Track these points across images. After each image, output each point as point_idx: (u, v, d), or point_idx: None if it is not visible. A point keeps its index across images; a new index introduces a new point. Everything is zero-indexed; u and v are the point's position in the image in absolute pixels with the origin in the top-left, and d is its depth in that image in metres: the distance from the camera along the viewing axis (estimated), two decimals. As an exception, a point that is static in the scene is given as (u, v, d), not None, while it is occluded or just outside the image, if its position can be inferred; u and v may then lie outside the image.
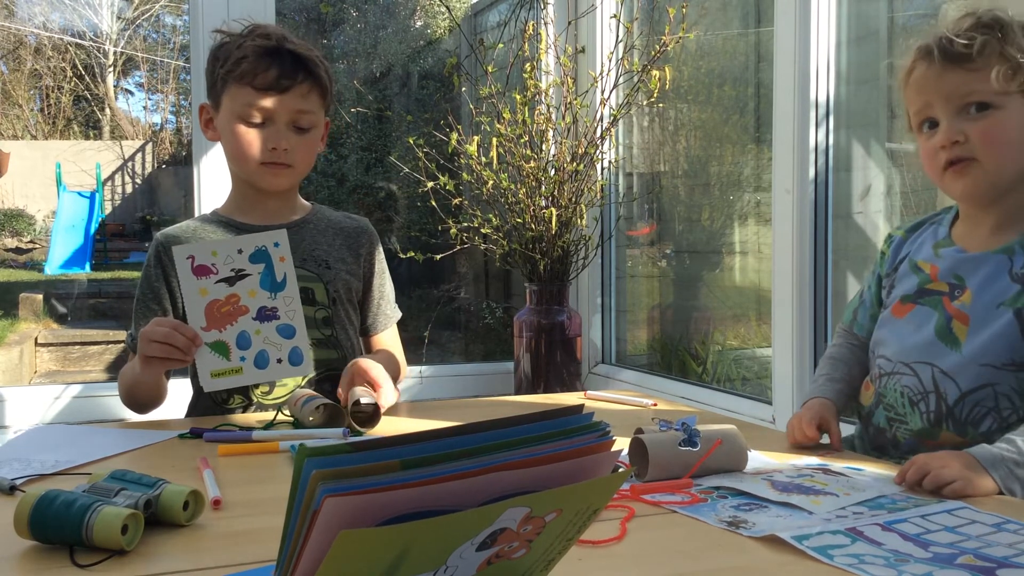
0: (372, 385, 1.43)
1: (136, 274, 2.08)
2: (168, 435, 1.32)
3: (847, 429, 1.37)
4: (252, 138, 1.53)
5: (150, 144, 11.69)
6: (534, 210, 2.55)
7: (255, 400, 1.57)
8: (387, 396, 1.43)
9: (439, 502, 0.51)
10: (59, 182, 9.99)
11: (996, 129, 1.19)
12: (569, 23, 2.96)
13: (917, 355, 1.25)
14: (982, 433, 1.18)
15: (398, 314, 1.76)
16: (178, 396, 1.66)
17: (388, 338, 1.75)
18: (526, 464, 0.54)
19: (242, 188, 1.63)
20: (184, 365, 1.41)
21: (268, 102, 1.51)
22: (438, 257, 2.62)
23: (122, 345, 5.60)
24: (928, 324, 1.25)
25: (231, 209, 1.64)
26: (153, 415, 1.60)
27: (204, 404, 1.60)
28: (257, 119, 1.53)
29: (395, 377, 1.60)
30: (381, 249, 1.74)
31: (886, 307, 1.35)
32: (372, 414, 1.36)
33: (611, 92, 2.62)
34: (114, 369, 5.60)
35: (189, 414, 1.64)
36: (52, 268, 8.68)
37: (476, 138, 2.58)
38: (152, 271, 1.60)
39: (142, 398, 1.54)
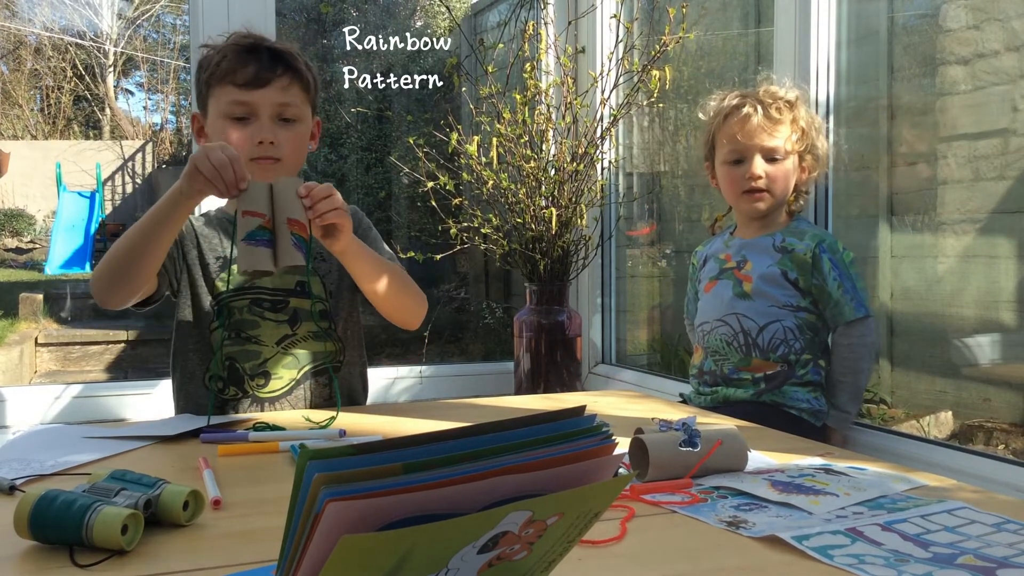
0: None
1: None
2: (168, 434, 1.32)
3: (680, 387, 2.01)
4: (239, 135, 1.53)
5: (150, 144, 11.69)
6: (534, 210, 2.55)
7: (250, 392, 1.57)
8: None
9: (441, 506, 0.51)
10: (59, 182, 9.98)
11: (781, 172, 1.84)
12: (569, 23, 2.96)
13: (725, 311, 1.84)
14: (779, 356, 1.79)
15: (397, 261, 1.65)
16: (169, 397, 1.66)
17: None
18: (529, 468, 0.54)
19: None
20: (222, 197, 1.33)
21: (250, 97, 1.53)
22: (438, 257, 2.62)
23: (123, 345, 5.59)
24: (727, 290, 1.86)
25: (230, 209, 1.64)
26: (151, 413, 1.60)
27: (188, 391, 1.59)
28: (241, 114, 1.54)
29: (393, 271, 1.53)
30: (366, 219, 1.71)
31: (700, 289, 1.95)
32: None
33: (611, 92, 2.62)
34: (114, 369, 5.59)
35: (176, 403, 1.64)
36: (52, 268, 8.67)
37: (476, 138, 2.57)
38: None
39: (133, 254, 1.39)
